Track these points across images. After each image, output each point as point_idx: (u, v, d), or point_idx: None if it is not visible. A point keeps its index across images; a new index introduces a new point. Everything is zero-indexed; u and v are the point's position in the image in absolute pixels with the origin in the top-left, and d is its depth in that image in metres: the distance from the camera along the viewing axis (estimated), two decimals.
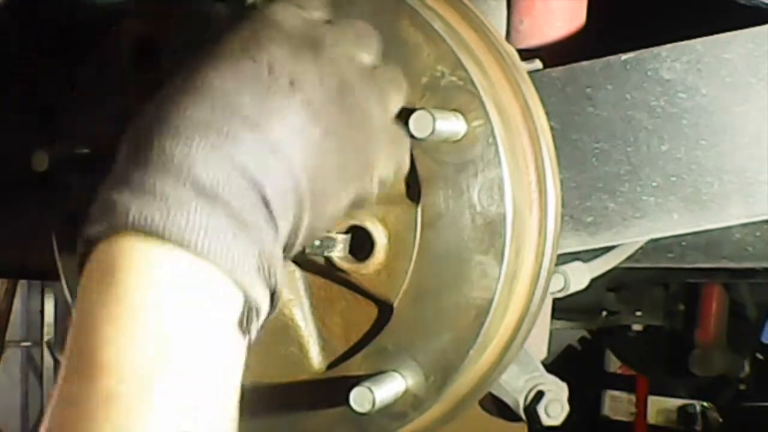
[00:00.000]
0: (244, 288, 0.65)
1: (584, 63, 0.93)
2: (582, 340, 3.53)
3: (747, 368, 2.97)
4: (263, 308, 0.67)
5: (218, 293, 0.64)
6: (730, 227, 0.99)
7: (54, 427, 0.61)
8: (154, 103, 0.68)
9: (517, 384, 1.00)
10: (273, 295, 0.68)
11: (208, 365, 0.64)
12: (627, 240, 0.98)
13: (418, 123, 0.77)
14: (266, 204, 0.66)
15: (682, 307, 2.75)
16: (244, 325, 0.66)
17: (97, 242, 0.64)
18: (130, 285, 0.62)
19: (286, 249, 0.71)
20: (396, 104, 0.79)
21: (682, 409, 3.71)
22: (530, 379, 1.00)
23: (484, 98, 0.81)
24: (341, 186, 0.74)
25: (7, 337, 4.05)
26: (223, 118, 0.66)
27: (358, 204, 0.77)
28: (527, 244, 0.85)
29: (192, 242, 0.62)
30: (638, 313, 2.69)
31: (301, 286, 0.90)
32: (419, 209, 0.83)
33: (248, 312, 0.66)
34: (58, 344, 4.32)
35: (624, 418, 3.89)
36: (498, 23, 1.00)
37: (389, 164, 0.79)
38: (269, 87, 0.68)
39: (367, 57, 0.78)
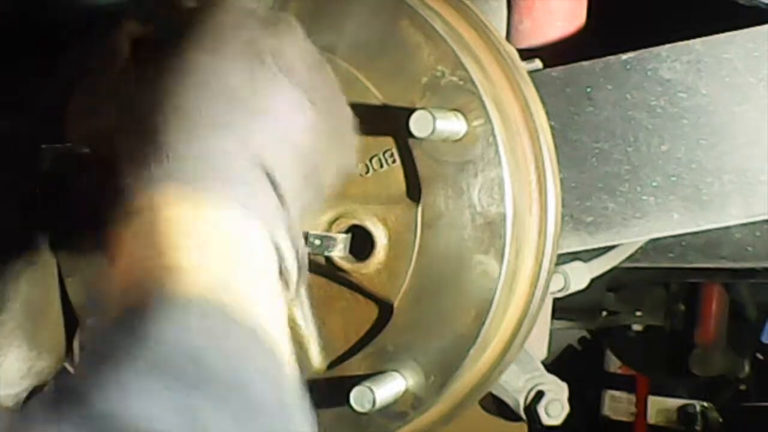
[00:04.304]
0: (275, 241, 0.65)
1: (584, 63, 0.93)
2: (582, 340, 3.52)
3: (747, 368, 2.96)
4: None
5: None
6: (730, 227, 0.99)
7: None
8: (148, 98, 0.67)
9: (517, 384, 1.00)
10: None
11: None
12: (627, 240, 0.98)
13: (419, 123, 0.77)
14: (275, 188, 0.66)
15: (682, 307, 2.74)
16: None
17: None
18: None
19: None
20: None
21: (682, 409, 3.70)
22: (530, 379, 1.00)
23: (485, 98, 0.81)
24: (333, 160, 0.74)
25: None
26: (221, 107, 0.65)
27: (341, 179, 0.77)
28: (527, 244, 0.85)
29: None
30: (638, 313, 2.68)
31: None
32: (419, 209, 0.83)
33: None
34: None
35: (624, 418, 3.88)
36: (498, 23, 1.00)
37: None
38: (255, 66, 0.68)
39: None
